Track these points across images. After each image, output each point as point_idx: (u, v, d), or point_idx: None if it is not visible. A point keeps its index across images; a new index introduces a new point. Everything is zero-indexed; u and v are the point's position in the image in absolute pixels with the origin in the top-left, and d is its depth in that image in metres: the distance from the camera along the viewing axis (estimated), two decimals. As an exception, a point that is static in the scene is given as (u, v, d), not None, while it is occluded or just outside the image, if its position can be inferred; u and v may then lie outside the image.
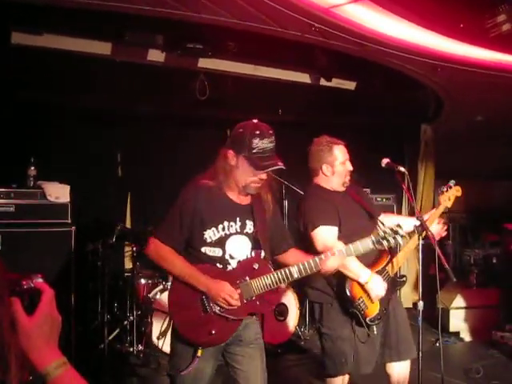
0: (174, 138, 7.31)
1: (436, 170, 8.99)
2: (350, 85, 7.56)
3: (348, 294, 3.68)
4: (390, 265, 3.83)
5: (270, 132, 3.11)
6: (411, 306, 7.82)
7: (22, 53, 5.65)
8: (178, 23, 5.21)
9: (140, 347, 5.93)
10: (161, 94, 6.87)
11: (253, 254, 3.25)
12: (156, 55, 6.23)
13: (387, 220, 3.96)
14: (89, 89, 6.37)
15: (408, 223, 3.82)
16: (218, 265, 3.16)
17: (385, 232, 3.24)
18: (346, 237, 3.66)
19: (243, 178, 3.15)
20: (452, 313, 7.29)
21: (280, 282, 3.15)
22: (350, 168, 3.98)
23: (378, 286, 3.69)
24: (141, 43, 5.95)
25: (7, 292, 1.30)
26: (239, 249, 3.21)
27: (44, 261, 5.26)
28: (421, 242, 3.61)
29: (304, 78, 7.27)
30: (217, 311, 3.10)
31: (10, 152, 6.08)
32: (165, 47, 6.07)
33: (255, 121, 3.17)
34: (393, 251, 3.90)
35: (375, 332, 3.77)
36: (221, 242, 3.16)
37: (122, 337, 6.11)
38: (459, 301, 7.37)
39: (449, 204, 4.11)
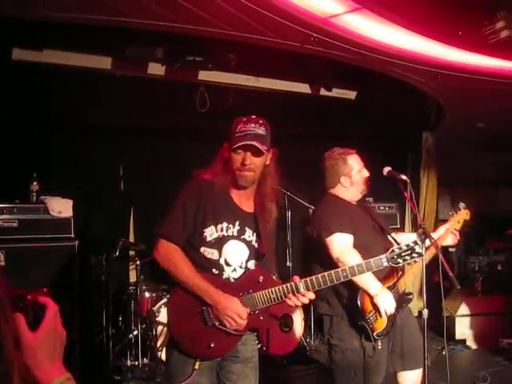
0: (176, 151, 7.30)
1: (438, 178, 8.98)
2: (351, 94, 7.57)
3: (359, 306, 3.65)
4: (400, 281, 3.82)
5: (260, 121, 3.06)
6: (416, 314, 7.79)
7: (22, 69, 5.67)
8: (178, 36, 5.24)
9: (145, 361, 5.91)
10: (161, 107, 6.89)
11: (249, 264, 3.14)
12: (156, 68, 6.25)
13: (401, 238, 3.98)
14: (89, 103, 6.38)
15: (434, 235, 3.88)
16: (213, 270, 3.03)
17: (400, 249, 3.13)
18: (360, 247, 3.67)
19: (233, 168, 3.05)
20: (458, 320, 7.26)
21: (285, 296, 2.98)
22: (367, 174, 4.01)
23: (387, 302, 3.64)
24: (141, 57, 5.96)
25: (11, 308, 1.29)
26: (235, 255, 3.10)
27: (48, 275, 5.27)
28: (424, 250, 3.58)
29: (304, 88, 7.28)
30: (217, 324, 2.97)
31: (12, 168, 6.10)
32: (165, 60, 6.09)
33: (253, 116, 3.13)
34: (405, 267, 3.88)
35: (379, 346, 3.73)
36: (218, 244, 3.05)
37: (127, 350, 6.09)
38: (464, 308, 7.34)
39: (458, 227, 4.13)
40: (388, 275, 3.78)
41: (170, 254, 3.03)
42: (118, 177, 6.49)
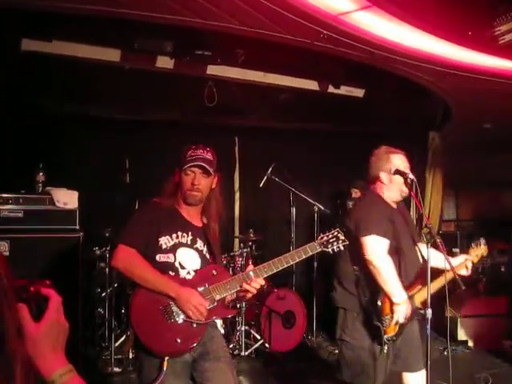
0: (183, 145, 7.29)
1: (444, 178, 8.96)
2: (359, 92, 7.56)
3: (379, 306, 3.70)
4: (418, 293, 3.85)
5: (207, 148, 3.49)
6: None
7: (31, 59, 5.67)
8: (187, 30, 5.23)
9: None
10: (170, 101, 6.89)
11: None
12: (165, 62, 6.24)
13: (436, 256, 4.04)
14: (98, 95, 6.38)
15: (454, 261, 3.96)
16: (170, 272, 3.25)
17: (328, 237, 3.42)
18: (395, 253, 3.70)
19: (183, 189, 3.42)
20: (460, 321, 7.26)
21: (240, 286, 3.26)
22: (411, 177, 3.96)
23: (403, 313, 3.71)
24: (150, 50, 5.96)
25: (14, 298, 1.30)
26: (189, 260, 3.35)
27: (52, 266, 5.27)
28: (429, 250, 3.58)
29: (313, 85, 7.27)
30: (181, 318, 3.18)
31: (18, 158, 6.10)
32: (174, 54, 6.08)
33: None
34: (426, 282, 3.92)
35: (385, 350, 3.78)
36: (173, 249, 3.32)
37: (129, 343, 6.10)
38: (467, 309, 7.33)
39: (475, 260, 4.18)
40: (411, 285, 3.83)
41: (131, 256, 3.23)
42: (124, 169, 6.49)
